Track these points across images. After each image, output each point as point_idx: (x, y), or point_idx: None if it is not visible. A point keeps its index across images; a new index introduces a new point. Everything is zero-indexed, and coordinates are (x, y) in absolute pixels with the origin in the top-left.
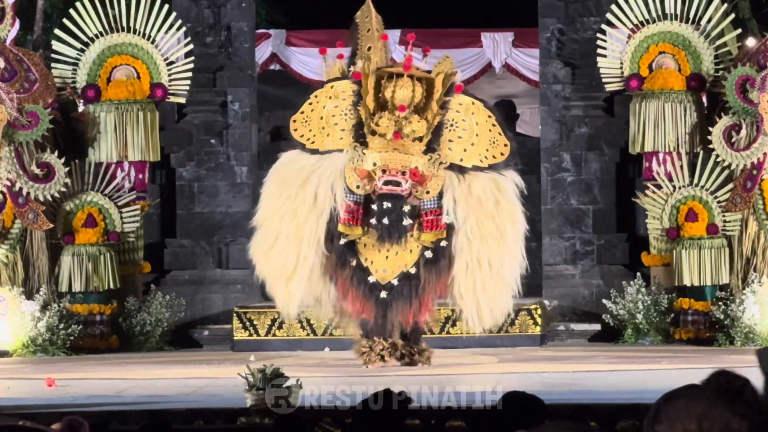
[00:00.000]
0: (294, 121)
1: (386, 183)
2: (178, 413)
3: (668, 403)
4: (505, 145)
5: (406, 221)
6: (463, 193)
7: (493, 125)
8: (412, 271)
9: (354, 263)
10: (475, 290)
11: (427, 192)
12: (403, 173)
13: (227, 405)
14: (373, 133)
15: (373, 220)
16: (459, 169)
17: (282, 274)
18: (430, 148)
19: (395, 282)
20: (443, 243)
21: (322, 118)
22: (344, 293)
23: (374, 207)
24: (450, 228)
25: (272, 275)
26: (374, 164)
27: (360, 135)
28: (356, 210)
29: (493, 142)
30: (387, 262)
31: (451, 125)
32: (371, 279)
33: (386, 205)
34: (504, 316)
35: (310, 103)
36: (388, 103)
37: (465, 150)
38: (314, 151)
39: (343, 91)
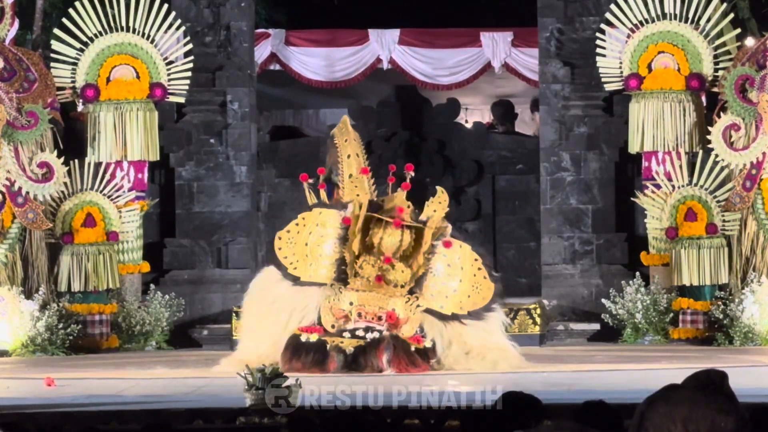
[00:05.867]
0: (279, 238)
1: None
2: (178, 413)
3: (651, 408)
4: (489, 289)
5: (377, 356)
6: (447, 337)
7: (479, 269)
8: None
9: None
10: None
11: (402, 334)
12: (380, 317)
13: (227, 405)
14: (356, 274)
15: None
16: (440, 316)
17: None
18: (411, 291)
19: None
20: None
21: (306, 244)
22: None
23: (347, 334)
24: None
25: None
26: (350, 303)
27: (342, 271)
28: (318, 328)
29: (476, 287)
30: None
31: (435, 270)
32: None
33: (359, 332)
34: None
35: (297, 224)
36: (374, 247)
37: (446, 297)
38: (295, 278)
39: (331, 223)
